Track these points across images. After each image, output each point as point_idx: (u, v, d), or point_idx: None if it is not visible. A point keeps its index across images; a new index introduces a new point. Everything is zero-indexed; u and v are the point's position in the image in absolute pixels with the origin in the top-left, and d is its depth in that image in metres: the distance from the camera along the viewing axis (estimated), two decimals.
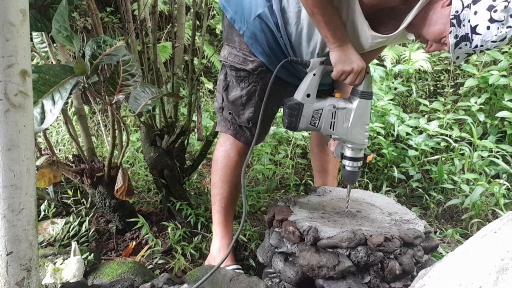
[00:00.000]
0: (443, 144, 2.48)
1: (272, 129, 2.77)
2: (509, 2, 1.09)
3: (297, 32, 1.36)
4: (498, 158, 2.31)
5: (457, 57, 1.21)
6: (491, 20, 1.10)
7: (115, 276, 1.36)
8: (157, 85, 1.89)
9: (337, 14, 1.24)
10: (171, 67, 2.01)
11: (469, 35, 1.14)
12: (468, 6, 1.12)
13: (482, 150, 2.39)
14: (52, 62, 1.75)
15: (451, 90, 3.15)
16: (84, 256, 1.46)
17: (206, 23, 2.16)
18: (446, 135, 2.50)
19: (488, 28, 1.11)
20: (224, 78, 1.50)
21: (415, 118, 2.70)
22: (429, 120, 2.73)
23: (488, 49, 1.17)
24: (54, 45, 1.78)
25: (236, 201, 1.66)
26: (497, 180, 2.13)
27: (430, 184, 2.36)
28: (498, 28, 1.11)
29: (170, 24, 3.42)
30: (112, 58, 1.35)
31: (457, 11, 1.14)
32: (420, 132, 2.62)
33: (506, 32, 1.12)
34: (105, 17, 3.69)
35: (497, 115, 2.59)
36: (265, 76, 1.44)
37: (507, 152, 2.38)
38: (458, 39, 1.16)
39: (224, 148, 1.55)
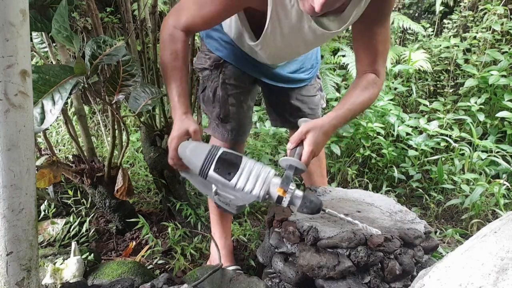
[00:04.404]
0: (443, 144, 2.48)
1: (272, 129, 2.77)
2: None
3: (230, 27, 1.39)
4: (498, 158, 2.31)
5: None
6: None
7: (115, 276, 1.36)
8: (157, 85, 1.89)
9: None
10: None
11: None
12: None
13: (482, 151, 2.39)
14: (52, 62, 1.75)
15: (451, 90, 3.15)
16: (84, 256, 1.46)
17: None
18: (446, 135, 2.49)
19: None
20: (199, 82, 1.55)
21: (415, 118, 2.70)
22: (429, 120, 2.73)
23: None
24: (54, 45, 1.79)
25: None
26: (497, 180, 2.13)
27: (430, 184, 2.36)
28: None
29: None
30: (112, 58, 1.35)
31: None
32: (420, 132, 2.62)
33: None
34: (105, 17, 3.69)
35: (497, 115, 2.58)
36: (224, 70, 1.46)
37: (507, 152, 2.38)
38: None
39: None
